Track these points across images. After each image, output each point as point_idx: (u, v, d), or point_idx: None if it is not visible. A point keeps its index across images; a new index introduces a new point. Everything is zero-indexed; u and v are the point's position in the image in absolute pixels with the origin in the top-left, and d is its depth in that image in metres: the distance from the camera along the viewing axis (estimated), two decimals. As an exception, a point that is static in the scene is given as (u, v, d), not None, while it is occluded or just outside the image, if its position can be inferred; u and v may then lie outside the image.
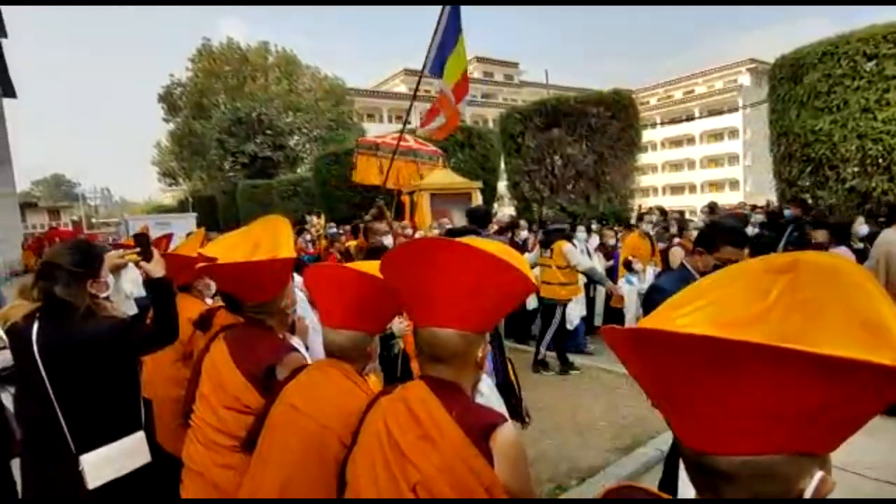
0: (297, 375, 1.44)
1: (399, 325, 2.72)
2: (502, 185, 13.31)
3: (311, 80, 27.78)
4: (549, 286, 5.37)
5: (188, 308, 2.15)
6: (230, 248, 1.68)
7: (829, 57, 6.68)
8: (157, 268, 1.85)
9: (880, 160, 6.39)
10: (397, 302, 1.46)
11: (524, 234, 7.29)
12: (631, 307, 6.00)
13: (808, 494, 0.64)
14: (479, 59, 48.52)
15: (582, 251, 5.82)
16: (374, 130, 24.58)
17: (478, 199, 8.76)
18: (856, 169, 6.58)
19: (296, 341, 2.01)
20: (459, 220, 7.68)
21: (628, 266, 6.14)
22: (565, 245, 5.33)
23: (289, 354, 1.57)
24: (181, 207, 27.64)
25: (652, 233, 6.61)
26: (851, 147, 6.52)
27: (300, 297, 2.43)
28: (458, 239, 1.23)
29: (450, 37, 5.03)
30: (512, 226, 7.50)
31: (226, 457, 1.49)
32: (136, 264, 2.02)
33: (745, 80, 44.43)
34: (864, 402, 0.60)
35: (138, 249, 1.88)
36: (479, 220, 4.37)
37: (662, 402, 0.69)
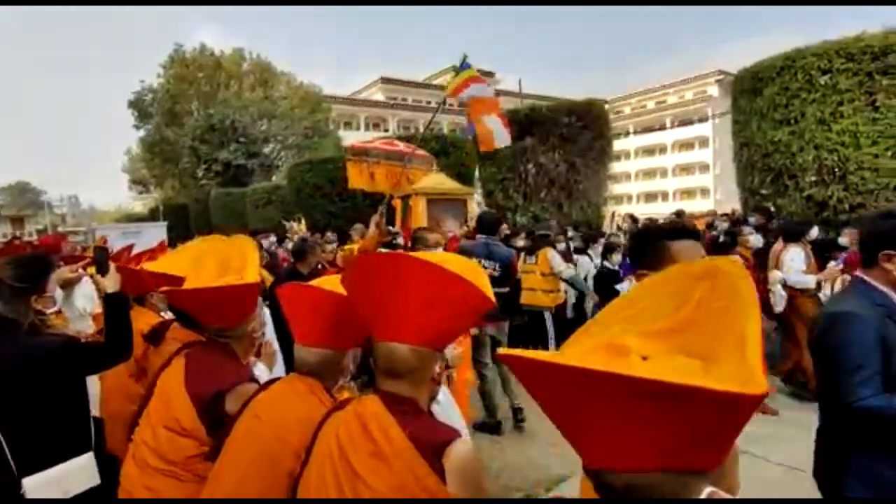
0: (269, 387, 1.42)
1: (452, 351, 2.59)
2: (477, 194, 13.40)
3: (286, 88, 27.53)
4: (532, 293, 5.36)
5: (143, 321, 2.11)
6: (192, 266, 1.66)
7: (786, 71, 6.95)
8: (110, 282, 1.81)
9: (836, 170, 6.65)
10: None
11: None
12: None
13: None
14: (456, 69, 48.89)
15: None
16: (351, 138, 24.47)
17: (473, 205, 8.67)
18: (813, 178, 6.84)
19: (260, 367, 1.97)
20: (454, 226, 7.65)
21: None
22: (550, 252, 5.36)
23: (242, 385, 1.52)
24: (152, 216, 27.02)
25: (623, 240, 6.63)
26: (808, 157, 6.78)
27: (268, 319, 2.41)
28: (414, 254, 1.25)
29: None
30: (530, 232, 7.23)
31: (154, 479, 1.45)
32: (92, 278, 1.98)
33: (714, 91, 45.77)
34: (723, 422, 0.60)
35: (86, 262, 1.84)
36: (488, 226, 4.29)
37: (559, 422, 0.70)
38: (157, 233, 15.18)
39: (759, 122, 7.38)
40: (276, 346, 2.79)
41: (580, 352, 0.68)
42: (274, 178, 24.50)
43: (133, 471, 1.50)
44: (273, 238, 11.28)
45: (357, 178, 9.41)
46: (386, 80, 45.97)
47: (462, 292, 1.13)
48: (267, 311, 2.25)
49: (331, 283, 1.48)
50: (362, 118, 42.70)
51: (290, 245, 9.46)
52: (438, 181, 8.36)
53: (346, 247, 5.86)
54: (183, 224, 23.95)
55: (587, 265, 6.54)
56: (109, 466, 1.81)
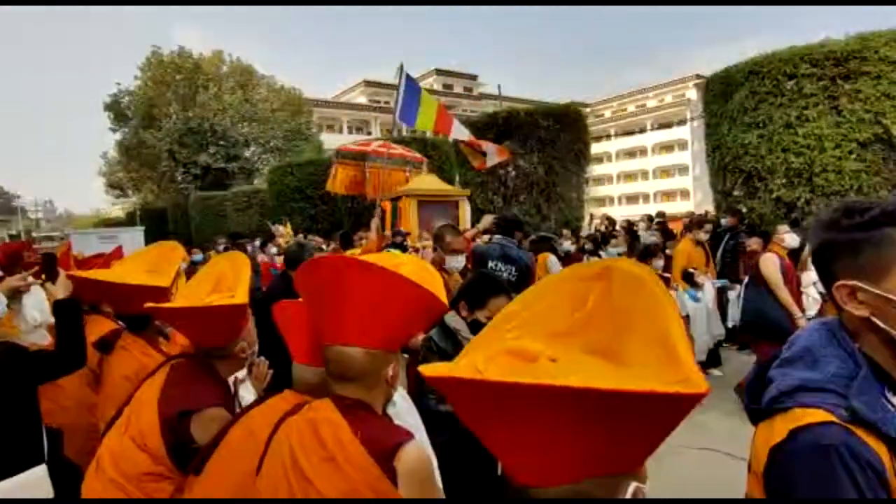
0: (266, 401, 1.39)
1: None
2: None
3: (267, 90, 27.28)
4: None
5: (98, 329, 2.08)
6: (150, 277, 1.64)
7: (754, 76, 7.12)
8: (59, 289, 1.78)
9: (803, 172, 6.83)
10: None
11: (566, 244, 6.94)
12: (699, 326, 5.20)
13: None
14: (439, 72, 48.96)
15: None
16: (334, 142, 24.34)
17: (466, 208, 8.27)
18: (782, 181, 7.01)
19: (247, 389, 1.90)
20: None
21: (688, 279, 5.36)
22: (550, 257, 5.01)
23: (211, 409, 1.46)
24: (130, 220, 26.54)
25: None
26: (777, 160, 6.95)
27: None
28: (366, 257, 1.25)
29: (411, 94, 5.39)
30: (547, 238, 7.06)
31: (106, 488, 1.41)
32: (42, 286, 1.95)
33: (693, 94, 46.58)
34: (661, 423, 0.61)
35: (35, 270, 1.81)
36: (506, 228, 4.08)
37: (487, 439, 0.69)
38: (134, 238, 14.93)
39: (729, 125, 7.54)
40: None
41: (481, 359, 0.66)
42: (255, 181, 24.25)
43: (91, 478, 1.47)
44: (257, 242, 11.09)
45: (338, 182, 9.25)
46: (369, 83, 45.85)
47: (412, 295, 1.13)
48: None
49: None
50: (345, 121, 42.50)
51: (273, 249, 9.17)
52: (430, 182, 8.02)
53: (349, 252, 5.59)
54: (161, 228, 23.57)
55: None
56: (72, 477, 1.78)
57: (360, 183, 9.06)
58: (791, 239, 4.78)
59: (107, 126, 27.88)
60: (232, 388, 1.70)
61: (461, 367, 0.67)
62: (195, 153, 23.75)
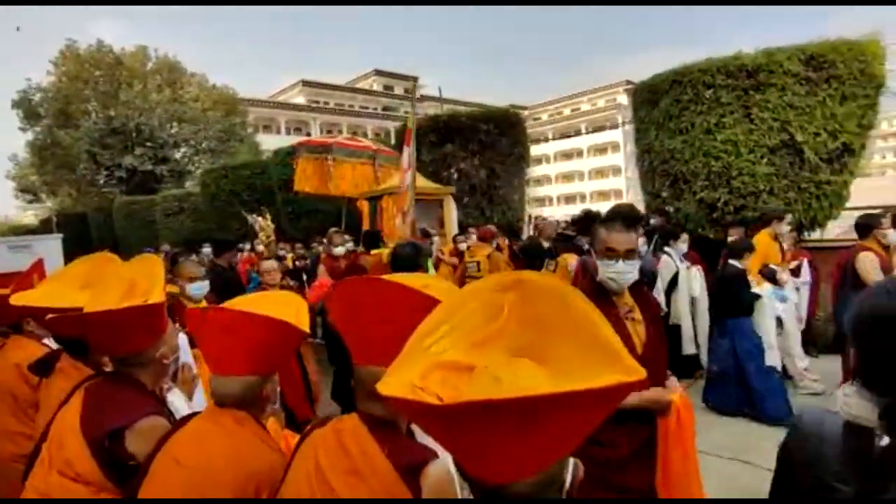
0: (185, 424, 1.32)
1: None
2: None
3: (197, 89, 25.98)
4: None
5: (22, 352, 1.93)
6: (83, 291, 1.54)
7: (677, 84, 7.60)
8: None
9: (722, 175, 7.37)
10: (294, 339, 1.42)
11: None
12: (793, 329, 4.69)
13: (568, 479, 0.77)
14: (379, 73, 48.61)
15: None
16: (271, 143, 23.57)
17: (450, 206, 8.13)
18: (704, 183, 7.53)
19: (175, 395, 1.82)
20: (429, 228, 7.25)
21: (769, 276, 4.73)
22: (572, 260, 4.53)
23: (145, 419, 1.38)
24: (45, 227, 24.43)
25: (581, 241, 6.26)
26: (699, 164, 7.46)
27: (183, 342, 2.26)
28: (399, 276, 1.22)
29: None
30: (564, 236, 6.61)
31: None
32: None
33: (623, 99, 48.98)
34: (605, 412, 0.68)
35: None
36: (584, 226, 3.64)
37: (454, 451, 0.73)
38: (50, 246, 13.75)
39: (656, 131, 8.01)
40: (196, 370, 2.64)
41: (416, 377, 0.69)
42: (187, 184, 23.06)
43: None
44: (208, 248, 10.37)
45: (309, 179, 8.72)
46: (307, 83, 44.78)
47: None
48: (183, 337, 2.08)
49: (252, 301, 1.42)
50: (283, 122, 41.25)
51: (260, 247, 8.45)
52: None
53: (375, 252, 5.15)
54: (83, 236, 21.91)
55: (669, 266, 5.51)
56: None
57: (323, 179, 8.65)
58: (894, 235, 4.27)
59: (16, 125, 25.55)
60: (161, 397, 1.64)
61: (397, 387, 0.69)
62: (119, 155, 22.27)
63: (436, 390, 0.65)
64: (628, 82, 48.01)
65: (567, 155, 53.25)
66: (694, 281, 5.47)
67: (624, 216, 3.38)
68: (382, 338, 1.11)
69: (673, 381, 2.02)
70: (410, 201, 5.64)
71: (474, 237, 6.89)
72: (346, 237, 6.36)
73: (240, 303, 1.50)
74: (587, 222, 3.47)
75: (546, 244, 5.91)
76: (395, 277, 1.22)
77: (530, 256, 5.32)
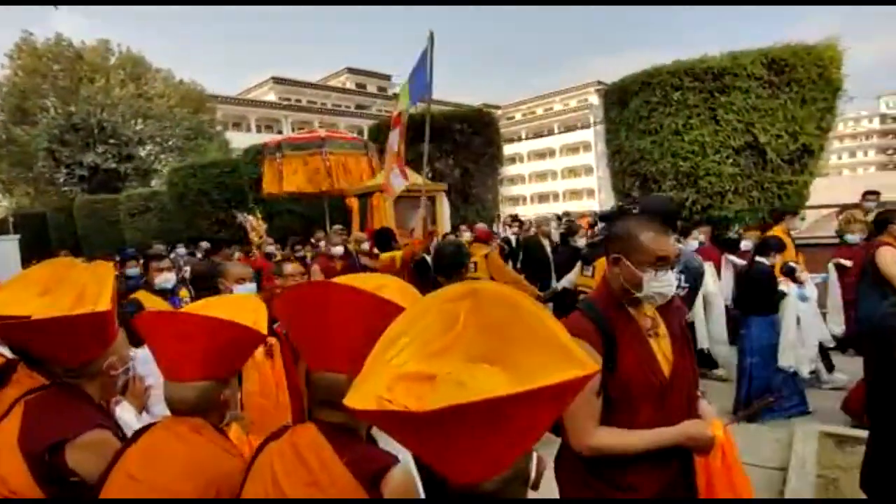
0: (140, 437, 1.26)
1: None
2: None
3: (163, 85, 25.22)
4: None
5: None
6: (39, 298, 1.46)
7: (646, 86, 7.76)
8: None
9: (690, 175, 7.56)
10: (252, 343, 1.39)
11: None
12: (812, 330, 4.50)
13: (533, 473, 0.82)
14: (351, 71, 48.18)
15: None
16: (242, 141, 23.08)
17: (443, 203, 8.01)
18: (672, 183, 7.71)
19: (125, 408, 1.75)
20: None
21: (789, 274, 4.54)
22: None
23: (89, 433, 1.31)
24: (1, 227, 23.38)
25: (511, 238, 6.26)
26: (667, 164, 7.64)
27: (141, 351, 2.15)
28: (346, 279, 1.20)
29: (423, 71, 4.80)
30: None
31: None
32: None
33: (595, 99, 49.80)
34: (562, 405, 0.73)
35: None
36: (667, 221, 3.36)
37: (423, 455, 0.75)
38: (7, 248, 13.16)
39: (626, 131, 8.17)
40: (151, 381, 2.56)
41: (383, 388, 0.71)
42: (153, 183, 22.40)
43: None
44: (182, 249, 9.99)
45: (267, 183, 8.47)
46: (278, 80, 44.05)
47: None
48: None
49: (208, 305, 1.39)
50: (253, 119, 40.43)
51: (261, 245, 8.00)
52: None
53: (386, 254, 4.86)
54: (41, 236, 21.06)
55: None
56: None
57: (276, 179, 8.44)
58: None
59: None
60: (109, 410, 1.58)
61: (363, 400, 0.71)
62: (79, 152, 21.48)
63: (403, 402, 0.68)
64: (600, 83, 48.82)
65: (540, 154, 53.84)
66: (707, 277, 5.22)
67: (664, 213, 2.78)
68: (337, 343, 1.10)
69: (706, 406, 1.71)
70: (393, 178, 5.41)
71: (467, 235, 6.82)
72: (344, 237, 6.18)
73: (197, 307, 1.46)
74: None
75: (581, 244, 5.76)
76: (349, 279, 1.20)
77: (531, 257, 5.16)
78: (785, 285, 4.39)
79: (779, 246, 4.42)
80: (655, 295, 1.56)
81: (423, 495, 1.21)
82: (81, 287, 1.43)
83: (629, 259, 1.55)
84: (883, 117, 65.98)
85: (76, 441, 1.27)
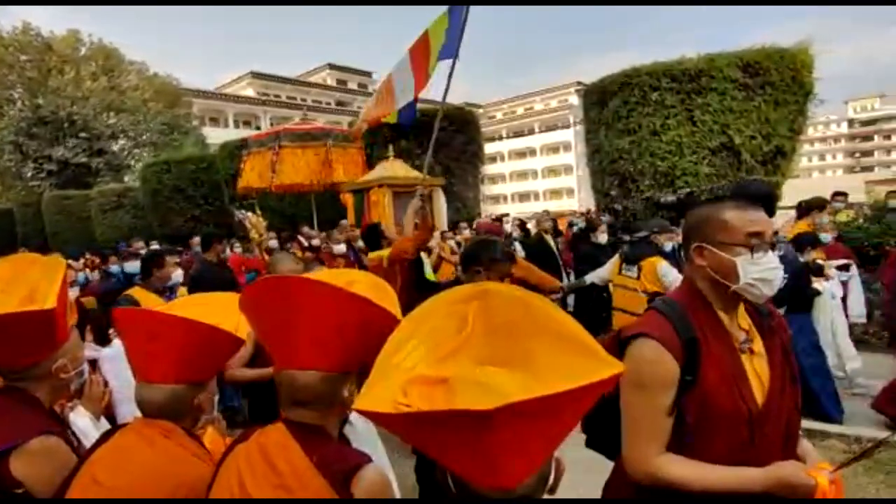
0: (107, 440, 1.21)
1: None
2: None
3: (137, 78, 24.57)
4: (628, 316, 3.90)
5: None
6: None
7: (625, 86, 7.87)
8: None
9: (667, 175, 7.68)
10: (229, 347, 1.33)
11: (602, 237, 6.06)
12: (841, 334, 4.29)
13: (552, 475, 0.79)
14: (333, 67, 47.66)
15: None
16: (218, 136, 22.63)
17: (440, 198, 7.78)
18: (650, 182, 7.83)
19: (79, 414, 1.67)
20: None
21: (816, 271, 4.22)
22: (662, 264, 3.99)
23: (36, 439, 1.22)
24: (-36, 223, 22.53)
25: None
26: (645, 164, 7.76)
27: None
28: (312, 275, 1.17)
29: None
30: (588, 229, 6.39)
31: None
32: None
33: (575, 100, 50.23)
34: (589, 404, 0.71)
35: None
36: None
37: (458, 457, 0.72)
38: (-30, 244, 12.71)
39: (605, 131, 8.26)
40: (115, 382, 2.47)
41: (398, 392, 0.69)
42: (126, 178, 21.82)
43: None
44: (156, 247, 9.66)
45: (249, 176, 8.14)
46: (257, 75, 43.27)
47: (367, 315, 1.08)
48: (118, 343, 1.88)
49: (190, 303, 1.35)
50: (231, 114, 39.67)
51: (262, 243, 7.74)
52: (399, 169, 7.16)
53: (374, 254, 4.53)
54: (7, 232, 20.37)
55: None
56: None
57: (317, 168, 8.10)
58: None
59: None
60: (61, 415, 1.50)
61: (377, 403, 0.69)
62: (48, 146, 20.79)
63: (419, 405, 0.66)
64: (580, 83, 49.26)
65: (521, 153, 54.09)
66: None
67: (758, 196, 2.62)
68: (307, 340, 1.08)
69: (808, 447, 1.36)
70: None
71: (467, 232, 6.78)
72: (349, 234, 5.90)
73: (177, 305, 1.41)
74: (689, 209, 2.44)
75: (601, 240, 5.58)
76: (318, 275, 1.18)
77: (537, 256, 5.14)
78: (819, 283, 4.16)
79: (814, 241, 4.23)
80: (757, 283, 1.22)
81: (398, 495, 1.18)
82: (34, 284, 1.34)
83: (714, 245, 1.25)
84: (851, 122, 68.16)
85: (23, 448, 1.19)
